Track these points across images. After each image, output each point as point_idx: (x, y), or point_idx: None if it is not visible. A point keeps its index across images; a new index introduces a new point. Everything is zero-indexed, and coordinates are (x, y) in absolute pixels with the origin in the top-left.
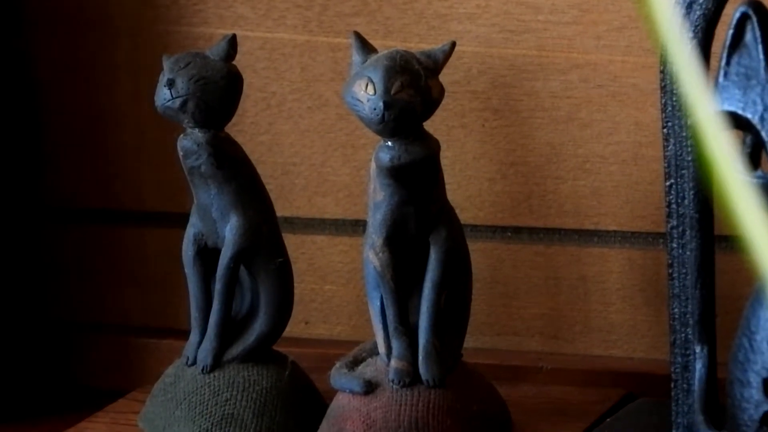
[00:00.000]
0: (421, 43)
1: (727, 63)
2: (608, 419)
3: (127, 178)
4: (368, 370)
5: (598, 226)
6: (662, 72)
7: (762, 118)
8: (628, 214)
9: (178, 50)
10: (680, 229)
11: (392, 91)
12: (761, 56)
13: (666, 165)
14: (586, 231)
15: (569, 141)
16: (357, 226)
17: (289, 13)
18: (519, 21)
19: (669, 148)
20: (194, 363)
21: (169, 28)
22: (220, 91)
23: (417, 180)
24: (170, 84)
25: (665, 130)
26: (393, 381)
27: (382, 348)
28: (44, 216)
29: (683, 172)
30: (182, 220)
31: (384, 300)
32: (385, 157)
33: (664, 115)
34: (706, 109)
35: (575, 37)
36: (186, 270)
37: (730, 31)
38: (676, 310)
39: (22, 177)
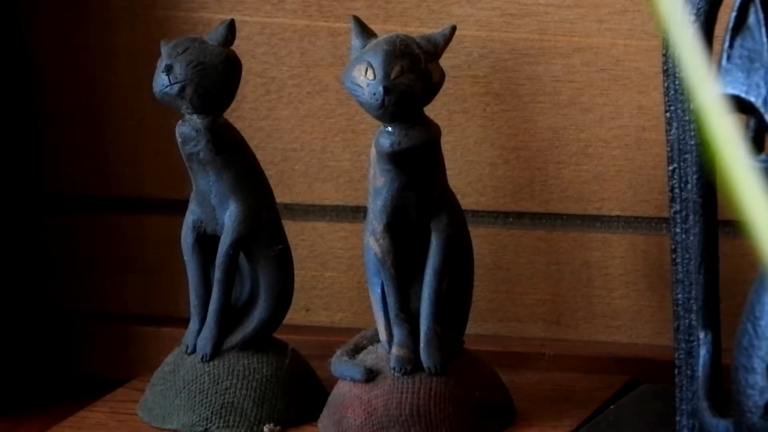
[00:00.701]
0: (422, 27)
1: (730, 46)
2: (612, 406)
3: (126, 165)
4: (369, 357)
5: (600, 211)
6: (665, 55)
7: (765, 102)
8: (630, 199)
9: (177, 35)
10: (683, 213)
11: (392, 76)
12: (764, 39)
13: (669, 149)
14: (588, 216)
15: (571, 125)
16: (357, 213)
17: None
18: (520, 4)
19: (672, 132)
20: (194, 351)
21: (167, 13)
22: (218, 77)
23: (418, 165)
24: (168, 70)
25: (668, 114)
26: (394, 368)
27: (383, 335)
28: (42, 203)
29: (686, 156)
30: (181, 207)
31: (385, 287)
32: (386, 142)
33: (666, 98)
34: (709, 92)
35: (577, 20)
36: (185, 257)
37: (733, 14)
38: (679, 295)
39: (21, 164)
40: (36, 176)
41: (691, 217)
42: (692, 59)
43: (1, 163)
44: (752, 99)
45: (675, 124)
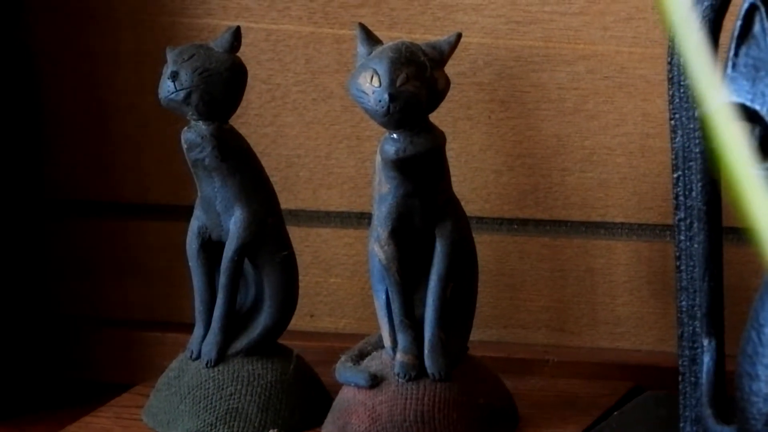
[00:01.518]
0: (427, 34)
1: (735, 54)
2: (616, 412)
3: (130, 171)
4: (374, 363)
5: (604, 218)
6: (670, 63)
7: None
8: (635, 206)
9: (182, 42)
10: (688, 221)
11: (397, 83)
12: None
13: (673, 157)
14: (592, 223)
15: (576, 133)
16: (362, 219)
17: (294, 4)
18: (525, 12)
19: (676, 139)
20: (198, 357)
21: (172, 19)
22: (224, 83)
23: (422, 172)
24: (174, 76)
25: (672, 121)
26: (398, 375)
27: (387, 341)
28: (46, 209)
29: (691, 163)
30: (186, 212)
31: (389, 293)
32: (391, 149)
33: (671, 106)
34: (716, 99)
35: (582, 27)
36: (190, 263)
37: (739, 22)
38: (683, 302)
39: (24, 169)
40: (39, 181)
41: (695, 225)
42: (700, 66)
43: (5, 167)
44: (757, 107)
45: (680, 132)
